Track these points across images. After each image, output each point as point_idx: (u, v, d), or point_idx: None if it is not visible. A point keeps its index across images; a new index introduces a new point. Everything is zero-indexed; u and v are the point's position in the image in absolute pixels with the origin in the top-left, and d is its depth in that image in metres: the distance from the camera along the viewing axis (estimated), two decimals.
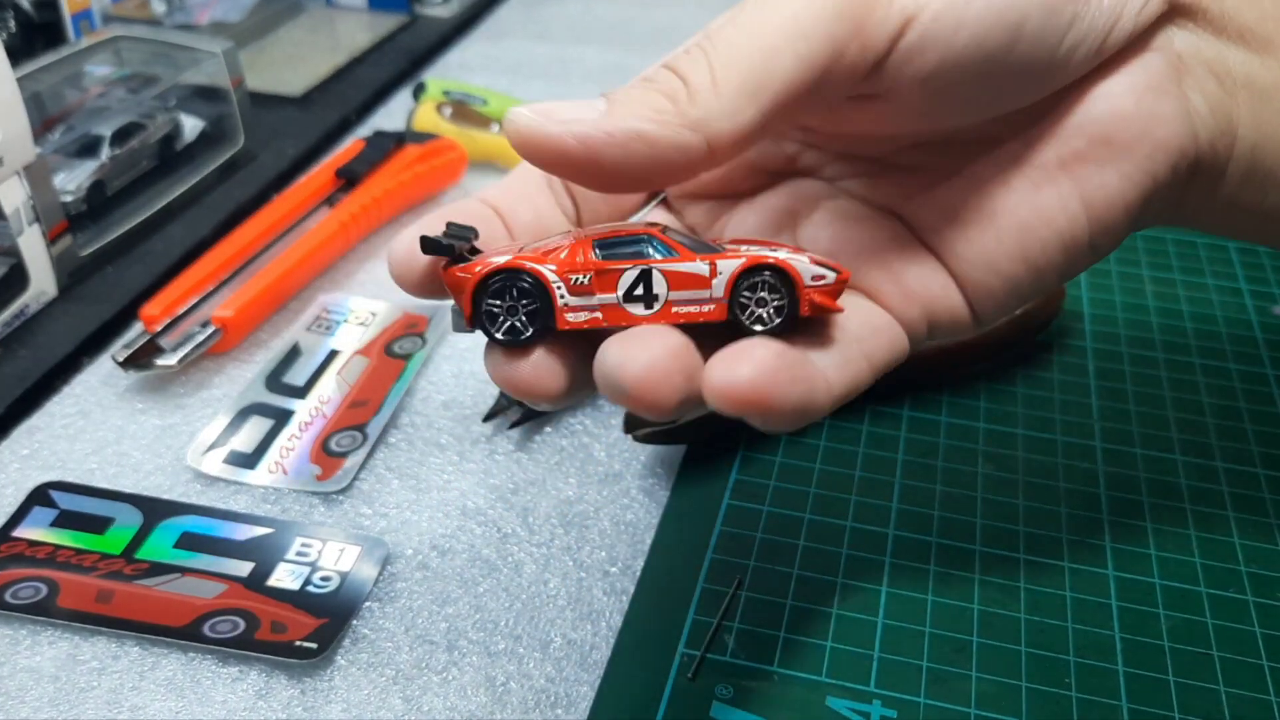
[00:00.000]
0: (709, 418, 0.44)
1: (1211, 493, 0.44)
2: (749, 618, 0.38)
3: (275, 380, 0.49)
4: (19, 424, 0.46)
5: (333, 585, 0.39)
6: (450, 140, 0.63)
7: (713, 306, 0.27)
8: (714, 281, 0.27)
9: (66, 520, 0.41)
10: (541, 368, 0.28)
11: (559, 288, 0.27)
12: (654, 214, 0.34)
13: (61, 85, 0.61)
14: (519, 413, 0.46)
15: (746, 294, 0.27)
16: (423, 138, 0.63)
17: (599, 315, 0.27)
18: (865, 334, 0.30)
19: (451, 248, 0.27)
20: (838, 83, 0.27)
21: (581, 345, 0.28)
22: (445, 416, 0.47)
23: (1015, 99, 0.30)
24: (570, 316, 0.27)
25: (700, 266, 0.27)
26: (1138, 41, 0.30)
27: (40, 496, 0.42)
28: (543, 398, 0.28)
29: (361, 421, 0.46)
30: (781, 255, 0.27)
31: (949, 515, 0.42)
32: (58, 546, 0.40)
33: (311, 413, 0.47)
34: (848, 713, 0.35)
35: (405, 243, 0.29)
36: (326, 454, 0.45)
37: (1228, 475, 0.44)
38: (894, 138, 0.32)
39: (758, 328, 0.28)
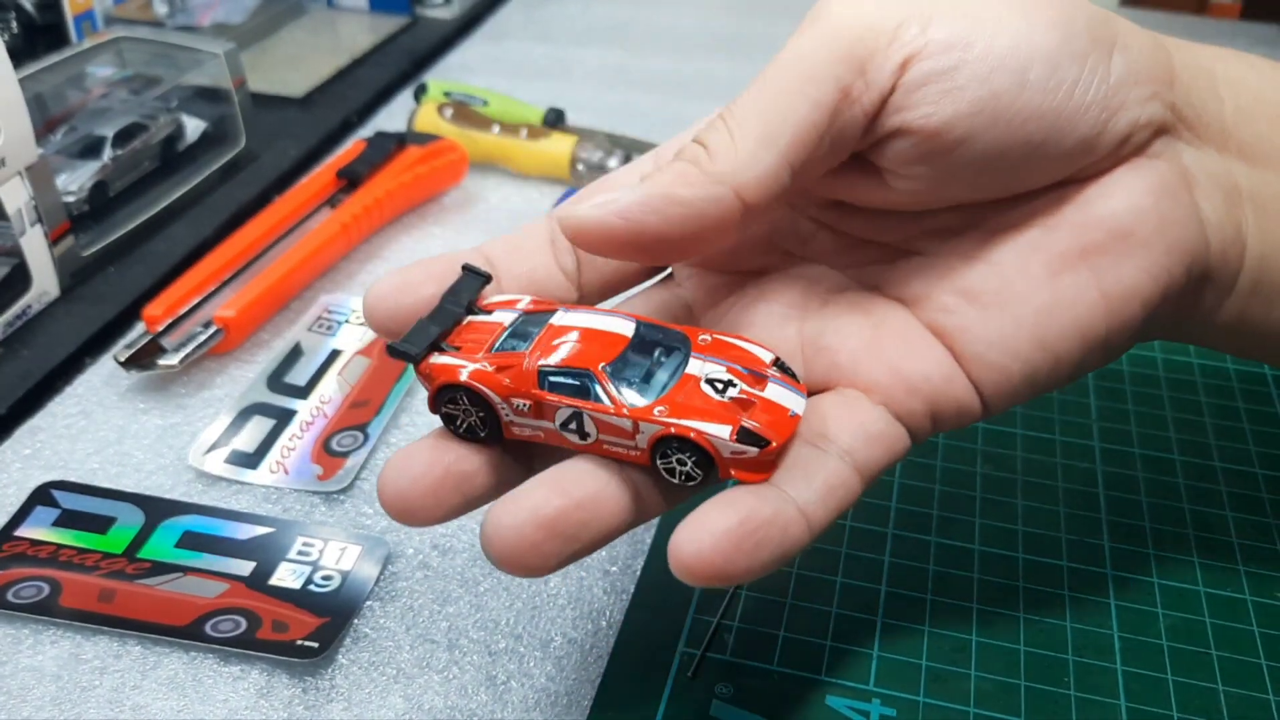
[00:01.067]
0: None
1: (1210, 492, 0.44)
2: (749, 617, 0.38)
3: (277, 380, 0.49)
4: (21, 424, 0.47)
5: (334, 584, 0.39)
6: (451, 141, 0.63)
7: (637, 452, 0.28)
8: (636, 437, 0.28)
9: (68, 520, 0.41)
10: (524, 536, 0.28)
11: (504, 409, 0.28)
12: (652, 292, 0.34)
13: (64, 86, 0.61)
14: None
15: (666, 454, 0.28)
16: (424, 139, 0.63)
17: (541, 434, 0.29)
18: (858, 444, 0.30)
19: (415, 357, 0.29)
20: (849, 125, 0.28)
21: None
22: None
23: (1029, 166, 0.30)
24: (516, 429, 0.29)
25: (624, 422, 0.28)
26: (1145, 149, 0.30)
27: (42, 496, 0.42)
28: (419, 524, 0.29)
29: (363, 421, 0.47)
30: (704, 428, 0.27)
31: (948, 515, 0.42)
32: (60, 546, 0.40)
33: (313, 413, 0.47)
34: (847, 711, 0.35)
35: (384, 283, 0.30)
36: (328, 454, 0.45)
37: (1226, 475, 0.44)
38: (908, 217, 0.32)
39: (688, 484, 0.28)
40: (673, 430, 0.27)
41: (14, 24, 0.67)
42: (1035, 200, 0.31)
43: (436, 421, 0.30)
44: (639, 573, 0.40)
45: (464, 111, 0.66)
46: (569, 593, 0.39)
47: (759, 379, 0.29)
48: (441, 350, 0.29)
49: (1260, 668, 0.37)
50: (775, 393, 0.29)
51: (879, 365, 0.31)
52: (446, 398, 0.29)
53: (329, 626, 0.37)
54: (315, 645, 0.36)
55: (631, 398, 0.28)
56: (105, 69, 0.64)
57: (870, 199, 0.32)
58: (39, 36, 0.67)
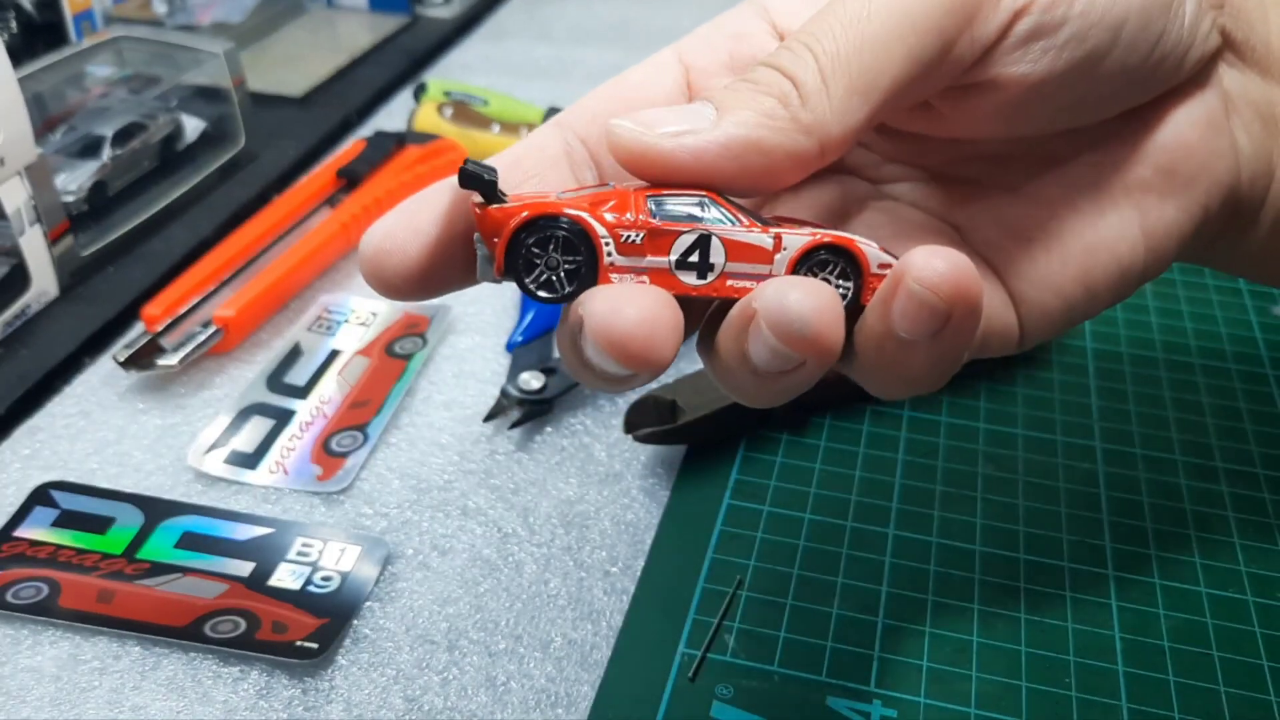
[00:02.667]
0: (710, 417, 0.44)
1: (1211, 493, 0.44)
2: (749, 617, 0.38)
3: (276, 380, 0.49)
4: (20, 424, 0.47)
5: (334, 585, 0.39)
6: (451, 141, 0.63)
7: None
8: (776, 257, 0.25)
9: (68, 520, 0.41)
10: (649, 319, 0.24)
11: (608, 244, 0.24)
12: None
13: (63, 86, 0.61)
14: (519, 413, 0.47)
15: (811, 274, 0.25)
16: (424, 138, 0.63)
17: (645, 279, 0.25)
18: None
19: (494, 184, 0.24)
20: (941, 76, 0.27)
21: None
22: (446, 416, 0.47)
23: (1101, 107, 0.30)
24: (614, 277, 0.25)
25: (764, 239, 0.25)
26: (1196, 76, 0.30)
27: (41, 496, 0.42)
28: (656, 365, 0.24)
29: (362, 421, 0.46)
30: (851, 237, 0.26)
31: (949, 515, 0.42)
32: (59, 546, 0.40)
33: (312, 413, 0.47)
34: (848, 712, 0.35)
35: (379, 234, 0.26)
36: (327, 454, 0.45)
37: (1227, 475, 0.44)
38: (960, 144, 0.31)
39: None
40: (826, 239, 0.25)
41: (13, 23, 0.67)
42: (1085, 133, 0.30)
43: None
44: (639, 573, 0.40)
45: (464, 111, 0.66)
46: (569, 593, 0.39)
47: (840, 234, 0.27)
48: (500, 200, 0.25)
49: (1262, 669, 0.37)
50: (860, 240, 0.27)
51: None
52: (533, 238, 0.24)
53: (328, 627, 0.37)
54: (315, 646, 0.36)
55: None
56: (104, 68, 0.64)
57: (927, 128, 0.31)
58: (38, 36, 0.67)
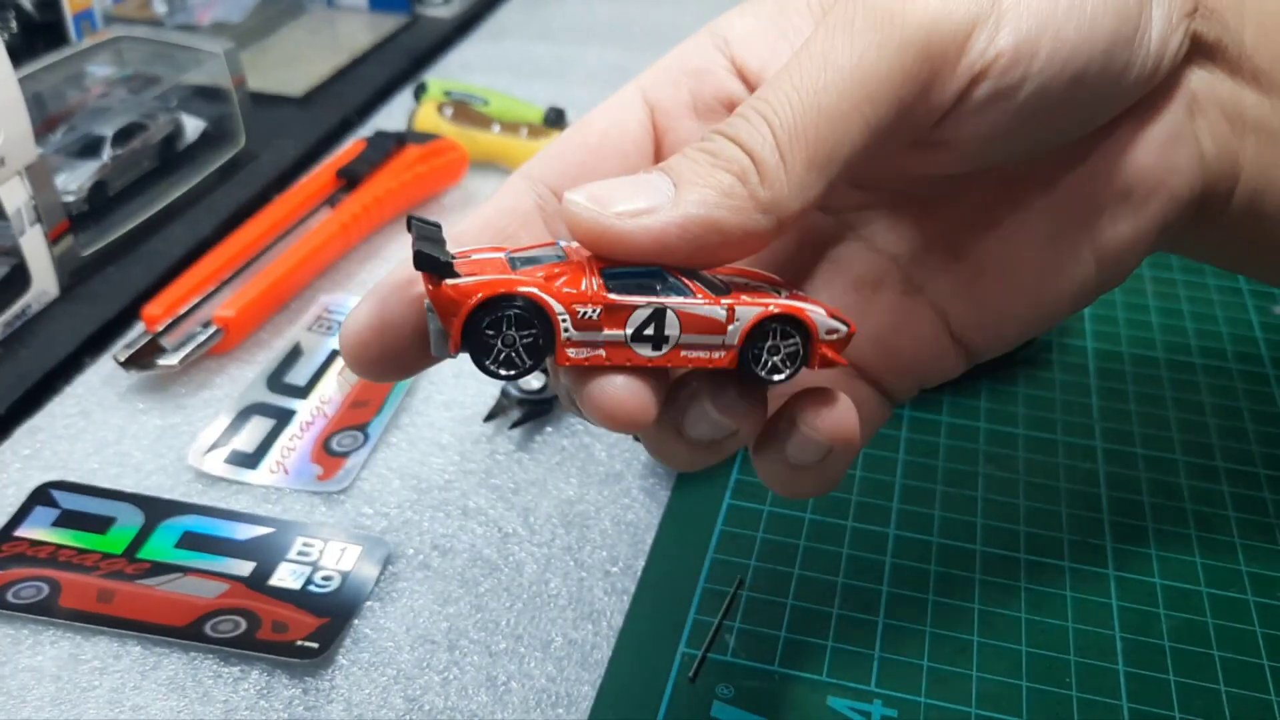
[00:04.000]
0: None
1: (1212, 492, 0.44)
2: (750, 617, 0.38)
3: (276, 380, 0.49)
4: (20, 424, 0.47)
5: (334, 585, 0.39)
6: (451, 140, 0.63)
7: (723, 354, 0.26)
8: (730, 328, 0.25)
9: (68, 520, 0.41)
10: (634, 391, 0.25)
11: (564, 320, 0.24)
12: None
13: (63, 85, 0.61)
14: (520, 413, 0.47)
15: (760, 343, 0.26)
16: (424, 138, 0.63)
17: (601, 353, 0.25)
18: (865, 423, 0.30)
19: (450, 265, 0.24)
20: (897, 140, 0.27)
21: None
22: (446, 417, 0.47)
23: (1062, 138, 0.29)
24: (571, 352, 0.25)
25: (718, 311, 0.25)
26: (1161, 85, 0.30)
27: (42, 496, 0.42)
28: (635, 424, 0.25)
29: (363, 421, 0.46)
30: (800, 305, 0.26)
31: (950, 515, 0.42)
32: (59, 546, 0.40)
33: (313, 413, 0.47)
34: (849, 712, 0.35)
35: (359, 321, 0.26)
36: (328, 454, 0.45)
37: (1228, 475, 0.44)
38: (921, 176, 0.31)
39: (774, 377, 0.26)
40: (774, 310, 0.25)
41: (13, 23, 0.67)
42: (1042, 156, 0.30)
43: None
44: (640, 573, 0.40)
45: (464, 110, 0.66)
46: (569, 593, 0.39)
47: (796, 294, 0.27)
48: (453, 275, 0.25)
49: (1263, 668, 0.37)
50: (809, 301, 0.27)
51: (869, 343, 0.31)
52: (487, 320, 0.24)
53: (329, 627, 0.37)
54: (315, 646, 0.36)
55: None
56: (104, 68, 0.64)
57: (880, 168, 0.30)
58: (38, 35, 0.67)
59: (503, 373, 0.25)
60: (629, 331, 0.25)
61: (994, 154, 0.29)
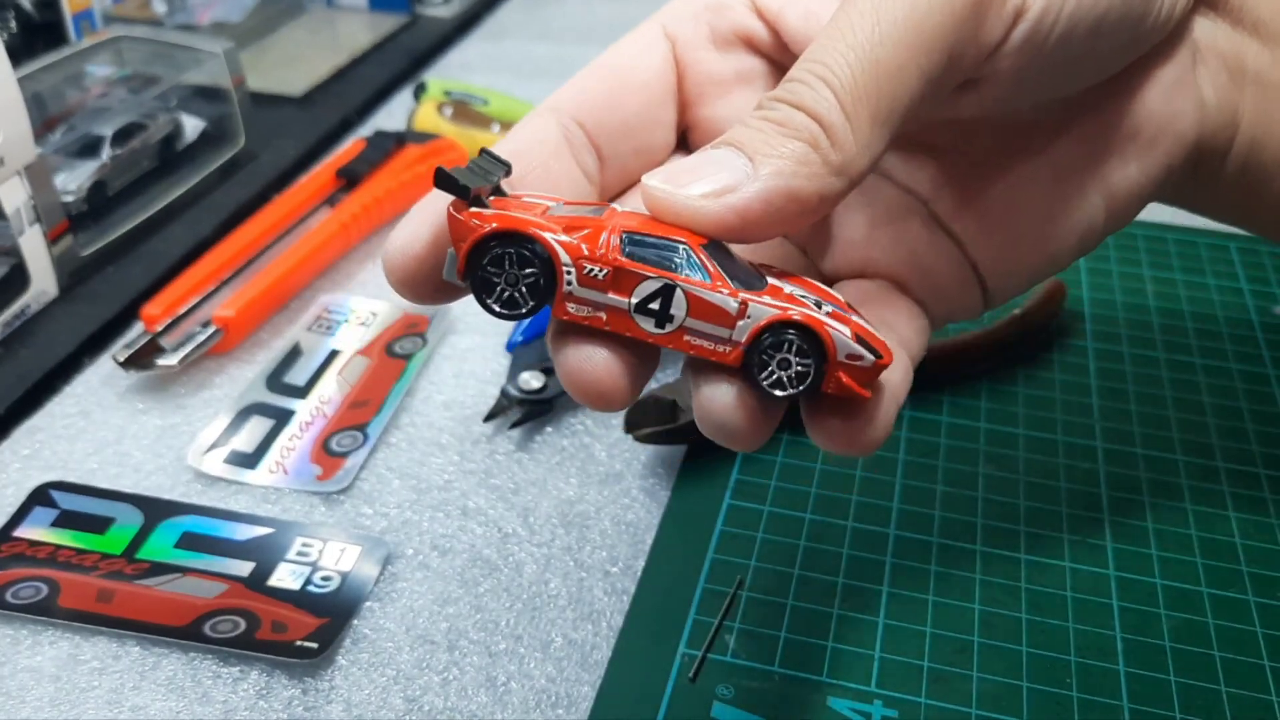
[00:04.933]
0: None
1: (1213, 492, 0.43)
2: (750, 618, 0.38)
3: (276, 380, 0.49)
4: (20, 424, 0.46)
5: (333, 585, 0.39)
6: (451, 140, 0.63)
7: (728, 349, 0.25)
8: (739, 324, 0.24)
9: (67, 520, 0.41)
10: (611, 370, 0.25)
11: (569, 272, 0.24)
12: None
13: (62, 85, 0.61)
14: (520, 413, 0.46)
15: (770, 350, 0.25)
16: (423, 138, 0.63)
17: (602, 316, 0.25)
18: (909, 336, 0.30)
19: (467, 189, 0.24)
20: (946, 86, 0.27)
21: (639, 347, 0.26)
22: (446, 416, 0.47)
23: (1078, 83, 0.30)
24: (571, 307, 0.24)
25: (729, 301, 0.24)
26: (1170, 34, 0.30)
27: (41, 496, 0.42)
28: (605, 403, 0.26)
29: (362, 421, 0.46)
30: (822, 316, 0.25)
31: (950, 515, 0.42)
32: (58, 546, 0.40)
33: (312, 413, 0.47)
34: (849, 713, 0.35)
35: (402, 240, 0.26)
36: (327, 454, 0.45)
37: (1229, 475, 0.44)
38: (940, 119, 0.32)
39: (776, 392, 0.25)
40: (794, 315, 0.24)
41: (13, 23, 0.66)
42: (1049, 103, 0.31)
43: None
44: (640, 573, 0.40)
45: (464, 110, 0.66)
46: (569, 594, 0.39)
47: (840, 310, 0.26)
48: (482, 205, 0.24)
49: (1263, 669, 0.37)
50: (860, 321, 0.26)
51: (915, 270, 0.31)
52: (491, 255, 0.24)
53: (328, 627, 0.37)
54: (314, 646, 0.36)
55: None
56: (104, 68, 0.64)
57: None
58: (38, 35, 0.67)
59: (499, 309, 0.25)
60: (634, 301, 0.24)
61: (1019, 97, 0.29)
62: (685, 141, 0.33)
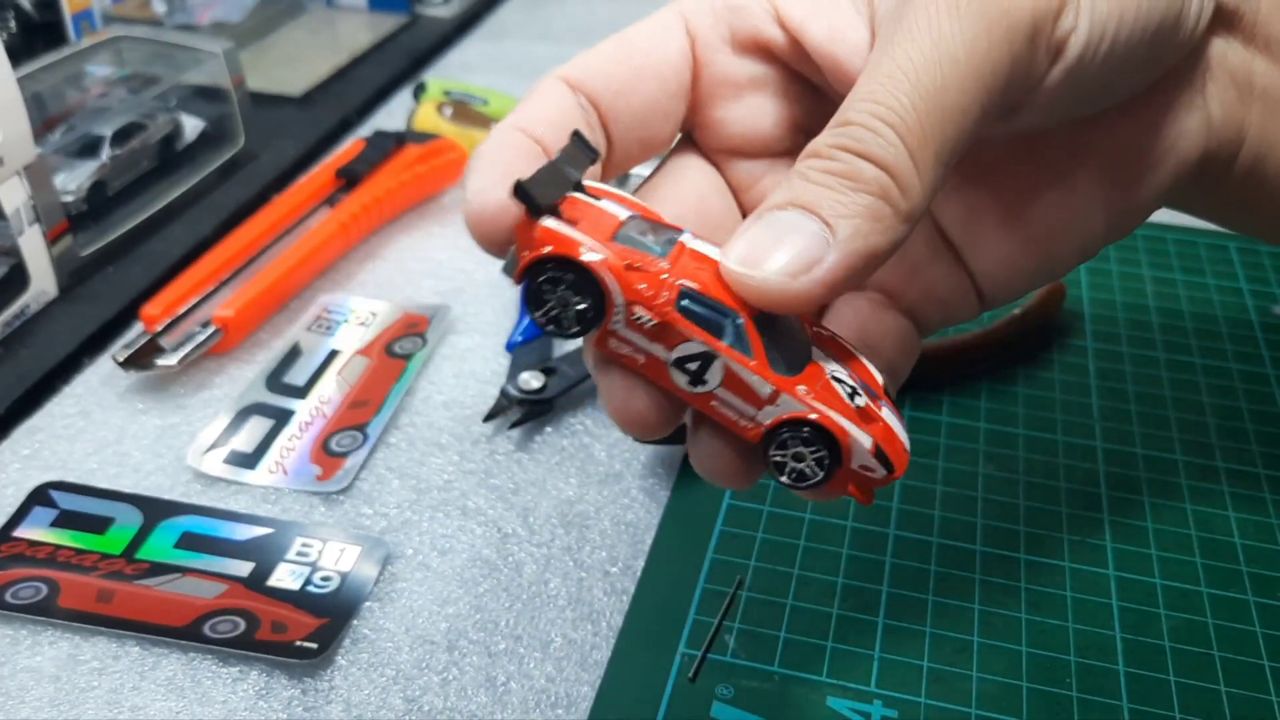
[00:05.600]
0: None
1: (1212, 492, 0.43)
2: (749, 618, 0.38)
3: (276, 380, 0.49)
4: (19, 424, 0.46)
5: (333, 585, 0.39)
6: (451, 140, 0.63)
7: (750, 425, 0.25)
8: (766, 408, 0.25)
9: (67, 520, 0.41)
10: (654, 404, 0.26)
11: (619, 312, 0.24)
12: (685, 168, 0.32)
13: (62, 85, 0.61)
14: (519, 413, 0.46)
15: (788, 441, 0.25)
16: (423, 138, 0.63)
17: (640, 359, 0.25)
18: (893, 351, 0.31)
19: (540, 208, 0.24)
20: (995, 117, 0.27)
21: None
22: (446, 417, 0.47)
23: (1109, 102, 0.30)
24: (613, 344, 0.25)
25: (763, 386, 0.25)
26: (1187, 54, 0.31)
27: (40, 496, 0.42)
28: (650, 433, 0.27)
29: (362, 421, 0.46)
30: (845, 423, 0.25)
31: (949, 515, 0.42)
32: (58, 546, 0.40)
33: (312, 413, 0.47)
34: (848, 713, 0.35)
35: (485, 187, 0.26)
36: (327, 454, 0.45)
37: (1228, 475, 0.44)
38: None
39: (780, 477, 0.26)
40: (816, 418, 0.25)
41: (12, 23, 0.66)
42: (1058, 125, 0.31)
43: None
44: (639, 573, 0.40)
45: (463, 110, 0.66)
46: (569, 594, 0.39)
47: (876, 397, 0.26)
48: (555, 215, 0.25)
49: (1263, 669, 0.37)
50: (889, 417, 0.26)
51: (906, 277, 0.31)
52: (548, 274, 0.24)
53: (328, 627, 0.37)
54: (314, 646, 0.36)
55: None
56: (104, 68, 0.64)
57: None
58: (37, 35, 0.67)
59: (547, 327, 0.25)
60: (674, 356, 0.25)
61: (1048, 119, 0.29)
62: (690, 139, 0.32)
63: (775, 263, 0.24)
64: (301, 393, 0.48)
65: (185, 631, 0.37)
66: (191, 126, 0.64)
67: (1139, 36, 0.27)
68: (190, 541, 0.41)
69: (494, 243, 0.26)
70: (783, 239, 0.24)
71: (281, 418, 0.47)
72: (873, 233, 0.24)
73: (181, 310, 0.50)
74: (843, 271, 0.24)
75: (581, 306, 0.24)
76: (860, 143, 0.25)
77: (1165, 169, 0.31)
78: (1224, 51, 0.31)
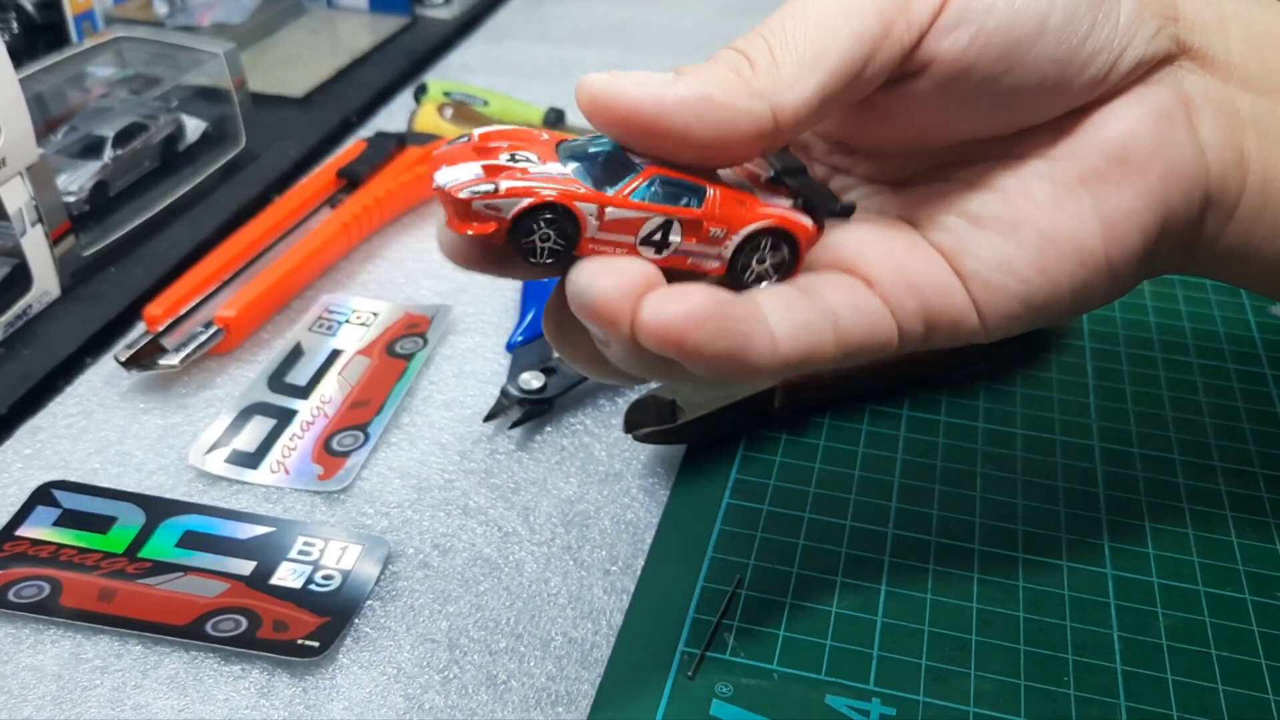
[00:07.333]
0: (710, 417, 0.44)
1: (1209, 492, 0.44)
2: (749, 616, 0.38)
3: (277, 380, 0.49)
4: (22, 423, 0.47)
5: (335, 584, 0.39)
6: None
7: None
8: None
9: (69, 519, 0.41)
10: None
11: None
12: None
13: (64, 86, 0.61)
14: (520, 413, 0.47)
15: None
16: (424, 139, 0.63)
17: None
18: (844, 310, 0.30)
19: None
20: (883, 60, 0.29)
21: None
22: (446, 416, 0.47)
23: (1041, 102, 0.31)
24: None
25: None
26: (1147, 77, 0.31)
27: (43, 496, 0.42)
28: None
29: (363, 421, 0.47)
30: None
31: (948, 514, 0.42)
32: (60, 546, 0.40)
33: (313, 412, 0.47)
34: (847, 711, 0.35)
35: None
36: (328, 453, 0.45)
37: (1225, 474, 0.44)
38: (918, 148, 0.33)
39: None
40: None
41: (14, 24, 0.67)
42: (1038, 131, 0.32)
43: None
44: (639, 572, 0.40)
45: (464, 111, 0.66)
46: (569, 592, 0.40)
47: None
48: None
49: (1260, 667, 0.37)
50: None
51: (881, 260, 0.31)
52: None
53: (329, 626, 0.37)
54: (316, 645, 0.36)
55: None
56: (105, 69, 0.64)
57: (877, 138, 0.33)
58: (39, 36, 0.67)
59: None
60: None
61: (978, 104, 0.30)
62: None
63: (621, 77, 0.27)
64: (303, 392, 0.48)
65: (187, 630, 0.37)
66: (193, 127, 0.64)
67: (1043, 10, 0.29)
68: (192, 540, 0.41)
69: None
70: (641, 74, 0.27)
71: (283, 417, 0.47)
72: (714, 86, 0.27)
73: (183, 310, 0.50)
74: (671, 96, 0.27)
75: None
76: (734, 43, 0.29)
77: (1152, 179, 0.31)
78: (1204, 88, 0.32)
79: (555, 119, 0.68)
